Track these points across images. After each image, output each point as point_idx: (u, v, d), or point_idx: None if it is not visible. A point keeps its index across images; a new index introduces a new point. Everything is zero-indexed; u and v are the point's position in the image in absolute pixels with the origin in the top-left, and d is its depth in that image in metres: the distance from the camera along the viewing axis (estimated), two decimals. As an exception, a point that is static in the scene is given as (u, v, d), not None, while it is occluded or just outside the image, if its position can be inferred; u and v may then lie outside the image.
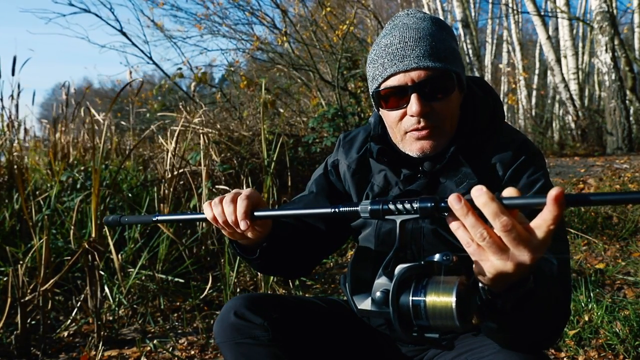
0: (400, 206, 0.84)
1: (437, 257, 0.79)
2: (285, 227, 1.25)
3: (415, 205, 0.82)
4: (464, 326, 0.76)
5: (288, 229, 1.25)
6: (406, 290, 0.78)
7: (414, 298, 0.77)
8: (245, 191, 1.04)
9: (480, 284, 0.83)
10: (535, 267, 0.75)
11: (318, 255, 1.37)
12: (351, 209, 0.91)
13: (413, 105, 1.08)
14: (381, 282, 0.82)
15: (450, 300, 0.74)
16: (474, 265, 0.78)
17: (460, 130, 1.17)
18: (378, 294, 0.81)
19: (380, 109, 1.18)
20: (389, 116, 1.16)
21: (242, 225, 1.01)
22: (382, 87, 1.13)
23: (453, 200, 0.73)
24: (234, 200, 1.03)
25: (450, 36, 1.16)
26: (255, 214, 1.02)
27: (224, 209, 1.03)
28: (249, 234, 1.07)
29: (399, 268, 0.80)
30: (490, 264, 0.74)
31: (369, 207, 0.87)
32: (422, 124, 1.11)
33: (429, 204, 0.81)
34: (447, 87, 1.10)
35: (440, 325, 0.77)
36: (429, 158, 1.17)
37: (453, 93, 1.12)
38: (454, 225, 0.75)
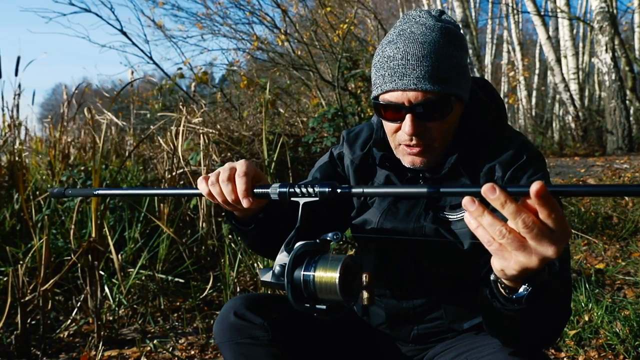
0: (304, 190, 0.96)
1: (329, 235, 0.91)
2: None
3: (316, 190, 0.94)
4: (347, 300, 0.85)
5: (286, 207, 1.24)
6: (300, 265, 0.87)
7: (305, 273, 0.87)
8: (241, 167, 1.02)
9: (492, 277, 0.84)
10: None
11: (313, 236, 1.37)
12: (264, 190, 1.00)
13: (406, 125, 1.09)
14: (281, 257, 0.91)
15: (335, 276, 0.84)
16: (494, 262, 0.77)
17: (460, 138, 1.17)
18: (277, 267, 0.90)
19: (379, 116, 1.19)
20: (386, 125, 1.18)
21: (245, 203, 1.00)
22: (381, 98, 1.13)
23: (467, 203, 0.73)
24: (231, 179, 1.01)
25: (458, 49, 1.12)
26: (255, 191, 1.01)
27: (222, 189, 1.02)
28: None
29: (297, 245, 0.89)
30: (515, 260, 0.73)
31: (278, 190, 0.98)
32: (413, 142, 1.12)
33: (326, 189, 0.93)
34: (444, 110, 1.10)
35: (327, 299, 0.86)
36: (426, 169, 1.18)
37: (450, 115, 1.11)
38: (472, 225, 0.74)
